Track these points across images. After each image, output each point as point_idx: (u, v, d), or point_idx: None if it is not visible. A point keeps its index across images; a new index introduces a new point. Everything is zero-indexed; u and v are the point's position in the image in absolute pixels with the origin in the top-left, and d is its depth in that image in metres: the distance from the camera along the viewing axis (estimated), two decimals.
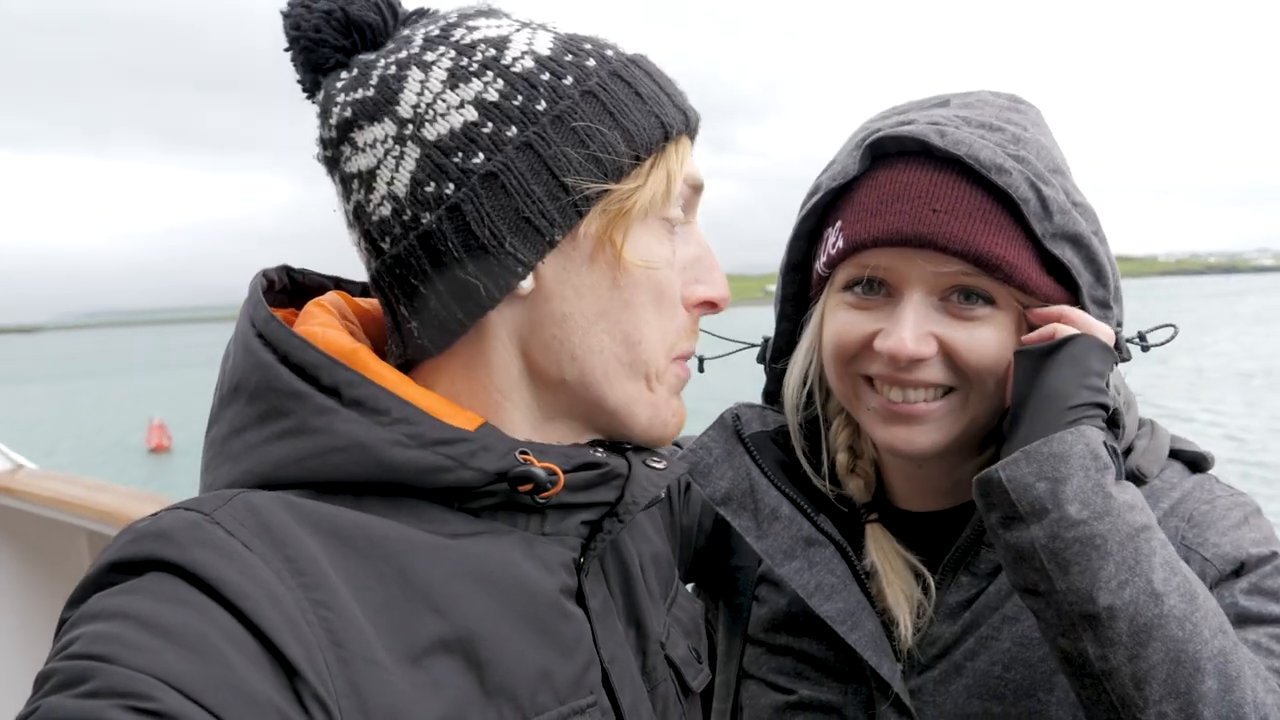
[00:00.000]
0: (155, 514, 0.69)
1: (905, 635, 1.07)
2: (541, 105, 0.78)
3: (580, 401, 0.85)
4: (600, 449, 0.87)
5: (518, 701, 0.75)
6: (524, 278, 0.79)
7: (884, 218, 1.00)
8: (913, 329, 1.00)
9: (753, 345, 1.25)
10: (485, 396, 0.84)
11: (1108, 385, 0.97)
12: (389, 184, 0.79)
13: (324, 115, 0.84)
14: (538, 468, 0.79)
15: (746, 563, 1.25)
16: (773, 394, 1.24)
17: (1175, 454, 1.11)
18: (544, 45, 0.82)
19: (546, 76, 0.80)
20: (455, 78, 0.79)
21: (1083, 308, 1.03)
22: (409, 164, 0.79)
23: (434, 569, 0.74)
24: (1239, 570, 0.99)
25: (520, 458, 0.79)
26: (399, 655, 0.69)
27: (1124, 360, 1.07)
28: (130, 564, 0.65)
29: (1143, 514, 0.90)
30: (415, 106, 0.79)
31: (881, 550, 1.11)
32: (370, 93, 0.81)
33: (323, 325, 0.82)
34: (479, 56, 0.80)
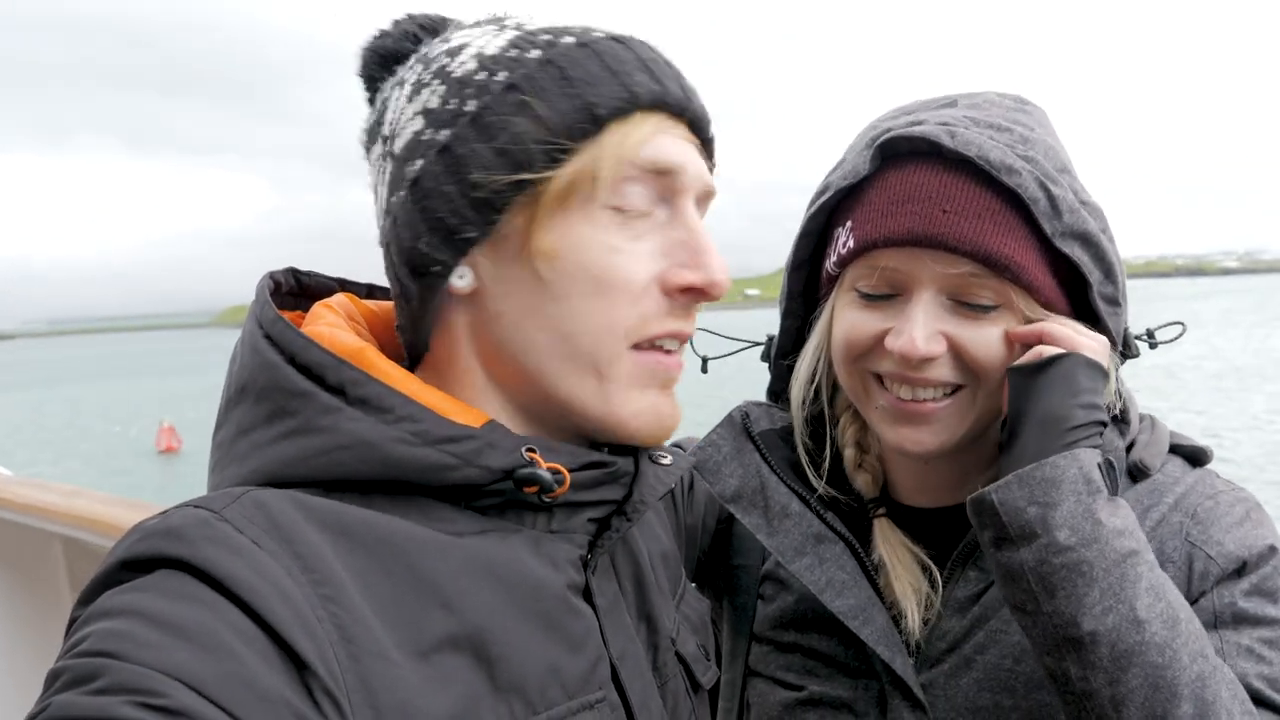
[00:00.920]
0: (164, 512, 0.69)
1: (913, 627, 1.08)
2: (469, 105, 0.79)
3: (542, 401, 0.84)
4: (607, 447, 0.87)
5: (527, 697, 0.75)
6: (445, 278, 0.81)
7: (895, 218, 1.01)
8: (923, 328, 1.00)
9: (756, 344, 1.26)
10: (475, 396, 0.84)
11: (1100, 399, 0.98)
12: (380, 197, 0.85)
13: None
14: (543, 469, 0.79)
15: (749, 561, 1.25)
16: (778, 392, 1.24)
17: (1174, 448, 1.13)
18: (494, 45, 0.81)
19: (481, 76, 0.80)
20: (415, 90, 0.82)
21: (1092, 306, 1.04)
22: (385, 177, 0.83)
23: (442, 565, 0.74)
24: (1241, 569, 1.00)
25: (527, 455, 0.79)
26: (408, 651, 0.70)
27: (1133, 357, 1.09)
28: (140, 561, 0.65)
29: (1131, 539, 0.92)
30: (391, 124, 0.83)
31: (889, 544, 1.12)
32: (372, 119, 0.88)
33: (330, 325, 0.84)
34: (434, 66, 0.82)
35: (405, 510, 0.76)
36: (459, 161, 0.78)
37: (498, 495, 0.80)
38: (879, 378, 1.07)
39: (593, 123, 0.78)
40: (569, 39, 0.81)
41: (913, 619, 1.08)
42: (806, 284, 1.18)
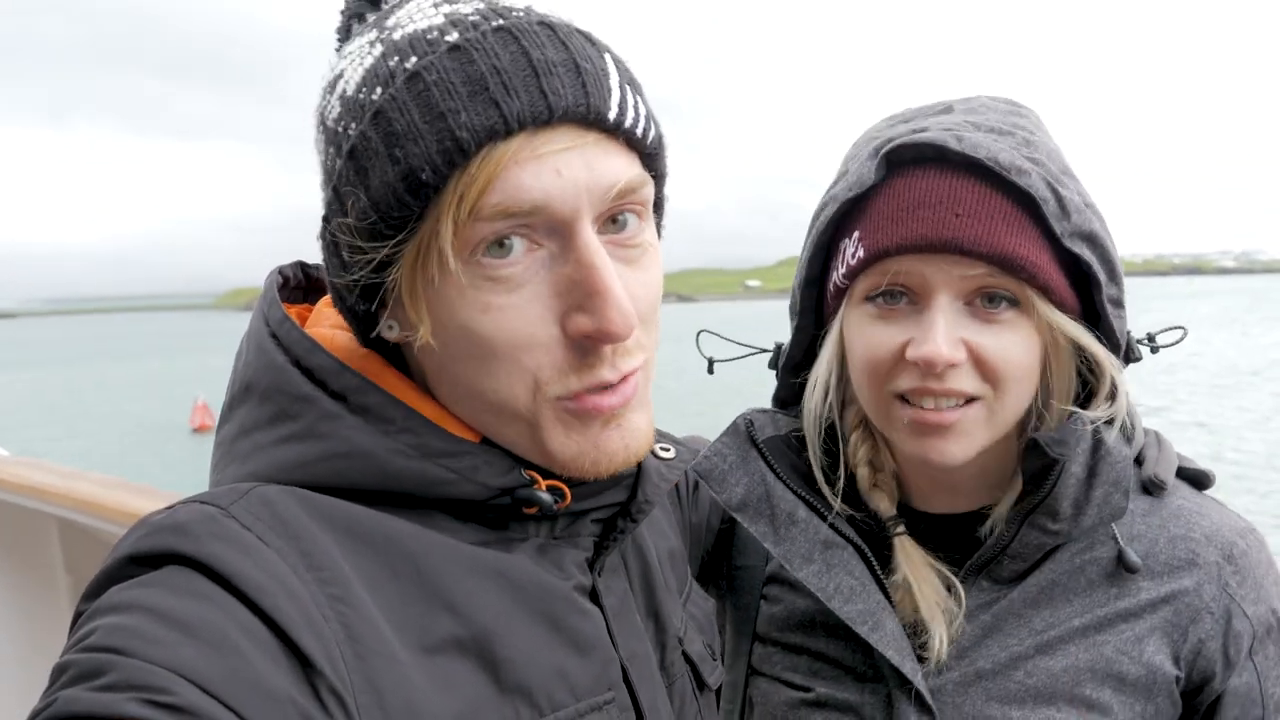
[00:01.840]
0: (171, 506, 0.69)
1: (940, 647, 1.07)
2: (337, 164, 0.73)
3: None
4: None
5: (534, 699, 0.75)
6: (371, 338, 0.79)
7: (906, 224, 1.00)
8: (945, 333, 0.99)
9: (764, 350, 1.25)
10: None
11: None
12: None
13: None
14: (542, 491, 0.78)
15: (753, 562, 1.25)
16: (784, 400, 1.23)
17: (1179, 470, 1.13)
18: (354, 78, 0.73)
19: (340, 126, 0.73)
20: (318, 125, 0.77)
21: (1099, 309, 1.04)
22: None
23: (447, 567, 0.74)
24: (1269, 629, 1.06)
25: (526, 474, 0.78)
26: (414, 651, 0.69)
27: (1134, 361, 1.09)
28: (147, 557, 0.65)
29: None
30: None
31: (912, 563, 1.11)
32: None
33: (334, 326, 0.82)
34: (320, 103, 0.77)
35: (407, 514, 0.76)
36: (334, 239, 0.75)
37: (498, 509, 0.79)
38: (900, 398, 1.06)
39: (420, 186, 0.69)
40: (409, 64, 0.70)
41: (941, 640, 1.07)
42: (818, 300, 1.17)
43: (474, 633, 0.73)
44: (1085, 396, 1.08)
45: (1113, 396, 1.05)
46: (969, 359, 1.02)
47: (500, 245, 0.71)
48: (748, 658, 1.23)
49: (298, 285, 0.90)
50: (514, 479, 0.78)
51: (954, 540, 1.12)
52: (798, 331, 1.19)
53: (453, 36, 0.70)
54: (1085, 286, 1.04)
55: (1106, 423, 1.04)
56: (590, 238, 0.73)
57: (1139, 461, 1.12)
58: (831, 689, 1.13)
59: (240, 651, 0.60)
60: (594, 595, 0.84)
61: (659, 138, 0.80)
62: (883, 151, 1.03)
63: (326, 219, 0.76)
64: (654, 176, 0.80)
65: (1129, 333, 1.08)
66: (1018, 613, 1.07)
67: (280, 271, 0.87)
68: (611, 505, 0.85)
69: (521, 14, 0.73)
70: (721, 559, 1.29)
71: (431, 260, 0.71)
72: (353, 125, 0.71)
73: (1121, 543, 1.06)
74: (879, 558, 1.12)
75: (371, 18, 0.79)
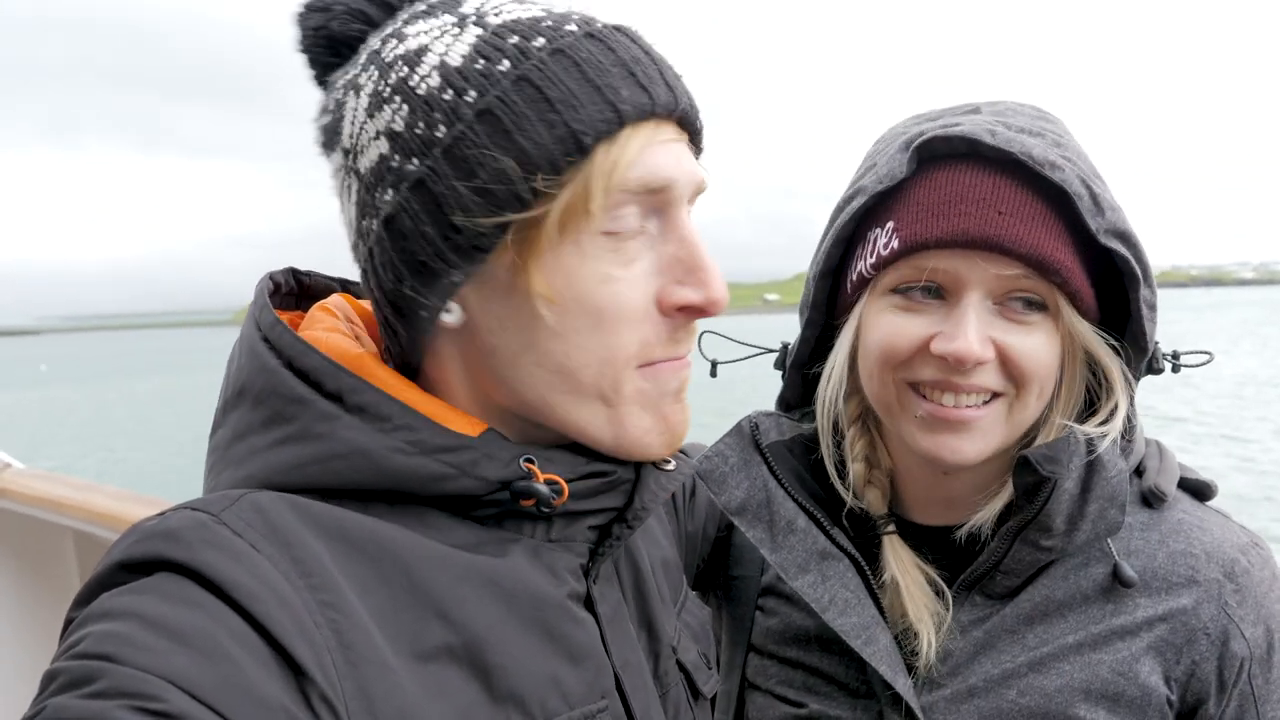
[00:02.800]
0: (163, 513, 0.69)
1: (928, 650, 1.06)
2: (440, 132, 0.73)
3: (544, 425, 0.81)
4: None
5: (526, 707, 0.74)
6: (433, 319, 0.78)
7: (948, 219, 0.98)
8: (977, 331, 0.98)
9: (770, 350, 1.23)
10: (470, 409, 0.82)
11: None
12: (348, 213, 0.81)
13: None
14: (540, 483, 0.78)
15: (749, 573, 1.24)
16: (790, 401, 1.22)
17: (1180, 481, 1.11)
18: (458, 53, 0.74)
19: (449, 95, 0.73)
20: (373, 104, 0.77)
21: (1134, 310, 1.02)
22: (353, 196, 0.79)
23: (439, 575, 0.74)
24: (1269, 649, 1.03)
25: (525, 466, 0.78)
26: (406, 659, 0.69)
27: (1155, 373, 1.07)
28: (138, 564, 0.65)
29: None
30: (351, 137, 0.78)
31: (900, 563, 1.10)
32: (327, 119, 0.82)
33: (327, 330, 0.82)
34: (393, 78, 0.76)
35: (403, 519, 0.75)
36: (437, 201, 0.74)
37: (495, 505, 0.79)
38: (913, 387, 1.05)
39: (578, 151, 0.72)
40: (540, 41, 0.74)
41: (927, 640, 1.06)
42: (832, 292, 1.16)
43: (465, 640, 0.73)
44: (1087, 408, 1.06)
45: (1115, 410, 1.03)
46: (996, 357, 1.00)
47: (627, 218, 0.77)
48: (742, 670, 1.22)
49: (289, 292, 0.90)
50: (513, 471, 0.78)
51: (945, 553, 1.11)
52: (808, 325, 1.17)
53: (572, 27, 0.76)
54: (1106, 291, 1.03)
55: (1102, 436, 1.02)
56: (689, 219, 0.80)
57: (1139, 472, 1.10)
58: (824, 705, 1.11)
59: (231, 659, 0.60)
60: (588, 603, 0.84)
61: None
62: (915, 144, 1.02)
63: (419, 184, 0.74)
64: None
65: (1157, 343, 1.06)
66: (1011, 629, 1.05)
67: (271, 278, 0.87)
68: (608, 510, 0.85)
69: (626, 26, 0.80)
70: (718, 568, 1.28)
71: (571, 222, 0.74)
72: (473, 93, 0.73)
73: (1117, 557, 1.04)
74: (872, 565, 1.11)
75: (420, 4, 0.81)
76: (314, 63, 0.85)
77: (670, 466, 0.89)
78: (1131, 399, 1.05)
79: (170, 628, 0.60)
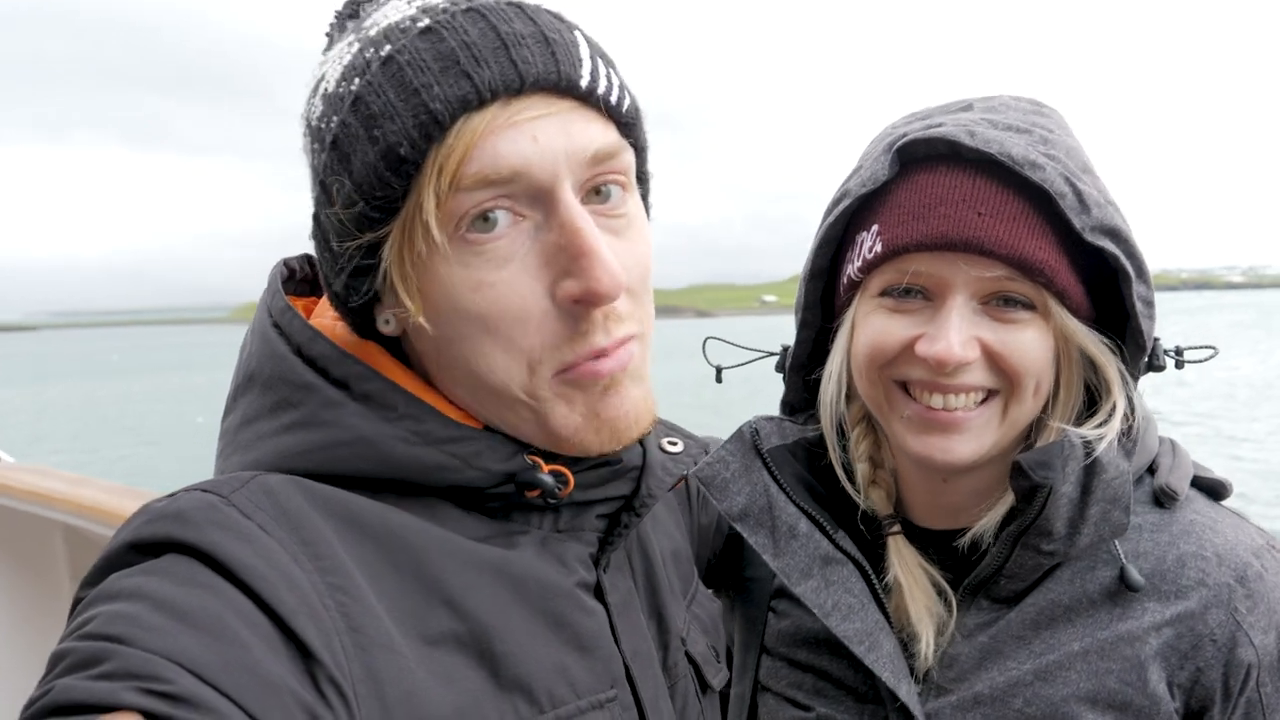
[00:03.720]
0: (173, 494, 0.69)
1: (927, 653, 1.04)
2: (318, 159, 0.75)
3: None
4: None
5: (533, 695, 0.74)
6: (370, 333, 0.80)
7: (927, 221, 0.98)
8: (958, 333, 0.97)
9: (771, 354, 1.23)
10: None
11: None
12: None
13: None
14: (545, 474, 0.78)
15: (762, 574, 1.23)
16: (793, 404, 1.21)
17: (1194, 480, 1.09)
18: (333, 77, 0.74)
19: (322, 123, 0.74)
20: (303, 128, 0.79)
21: (1129, 307, 1.00)
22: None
23: (448, 562, 0.73)
24: (1278, 658, 1.00)
25: (529, 459, 0.78)
26: (415, 643, 0.69)
27: (1157, 370, 1.05)
28: (148, 545, 0.65)
29: None
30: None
31: (904, 563, 1.08)
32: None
33: (335, 318, 0.82)
34: (306, 105, 0.78)
35: (410, 504, 0.75)
36: (323, 229, 0.77)
37: (501, 498, 0.79)
38: (903, 387, 1.04)
39: (400, 162, 0.70)
40: (380, 51, 0.72)
41: (927, 644, 1.05)
42: (825, 293, 1.15)
43: (472, 627, 0.72)
44: (1089, 409, 1.04)
45: (1113, 411, 1.01)
46: (982, 355, 0.99)
47: (485, 219, 0.72)
48: (755, 671, 1.21)
49: (304, 278, 0.90)
50: (517, 464, 0.77)
51: (950, 556, 1.09)
52: (803, 327, 1.17)
53: (424, 22, 0.72)
54: (1102, 289, 1.01)
55: (1099, 439, 1.00)
56: (571, 201, 0.73)
57: (1151, 470, 1.09)
58: (832, 709, 1.10)
59: (239, 640, 0.60)
60: (598, 592, 0.83)
61: (635, 107, 0.80)
62: (895, 146, 1.02)
63: (316, 216, 0.77)
64: (635, 148, 0.81)
65: (1157, 339, 1.04)
66: (1017, 634, 1.04)
67: (286, 264, 0.87)
68: (615, 499, 0.84)
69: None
70: (731, 567, 1.27)
71: (417, 236, 0.71)
72: (334, 118, 0.73)
73: (1124, 560, 1.01)
74: (876, 569, 1.10)
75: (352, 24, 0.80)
76: None
77: (677, 449, 0.88)
78: (1131, 397, 1.02)
79: (179, 609, 0.60)
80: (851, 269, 1.07)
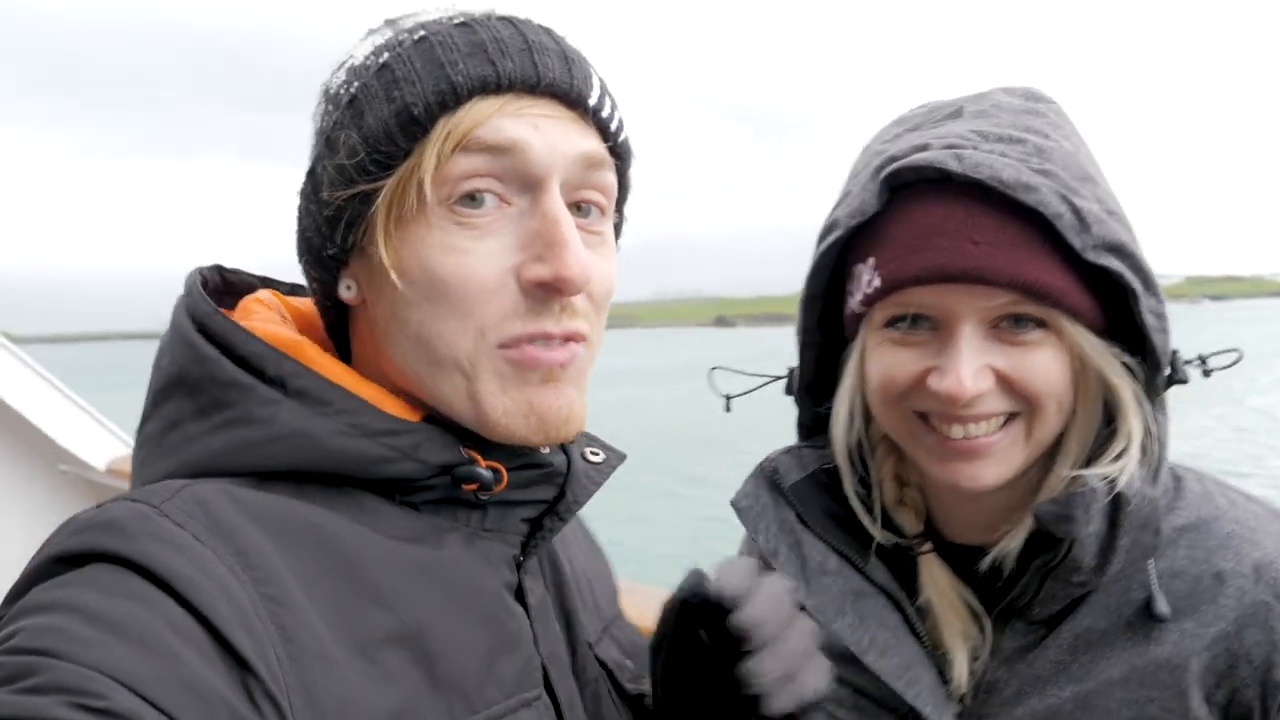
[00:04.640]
0: (100, 505, 0.67)
1: (961, 676, 1.02)
2: (325, 123, 0.80)
3: (428, 404, 0.81)
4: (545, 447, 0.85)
5: (466, 694, 0.74)
6: (325, 294, 0.84)
7: (923, 254, 0.95)
8: (969, 365, 0.94)
9: (778, 378, 1.20)
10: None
11: None
12: None
13: None
14: (483, 468, 0.79)
15: None
16: (809, 426, 1.19)
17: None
18: (361, 53, 0.80)
19: (340, 90, 0.80)
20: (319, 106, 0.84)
21: (1140, 323, 0.96)
22: None
23: (380, 563, 0.74)
24: None
25: (465, 453, 0.79)
26: (349, 649, 0.69)
27: (1180, 383, 1.00)
28: (75, 556, 0.63)
29: None
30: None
31: (936, 585, 1.06)
32: None
33: (263, 320, 0.83)
34: (330, 79, 0.83)
35: (339, 504, 0.76)
36: (316, 182, 0.80)
37: (432, 490, 0.79)
38: (922, 417, 1.01)
39: (411, 123, 0.75)
40: (418, 34, 0.78)
41: (961, 670, 1.02)
42: (823, 316, 1.13)
43: (407, 628, 0.73)
44: (1108, 423, 1.00)
45: (1130, 438, 0.97)
46: (996, 383, 0.96)
47: (473, 199, 0.76)
48: None
49: (215, 289, 0.89)
50: (454, 456, 0.78)
51: (986, 575, 1.05)
52: (805, 348, 1.15)
53: (461, 19, 0.79)
54: (1116, 303, 0.97)
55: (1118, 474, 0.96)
56: (557, 194, 0.78)
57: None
58: None
59: (174, 653, 0.58)
60: (519, 594, 0.84)
61: (629, 146, 0.86)
62: (882, 175, 0.98)
63: (311, 170, 0.81)
64: (620, 186, 0.86)
65: (1175, 352, 0.99)
66: (1055, 659, 1.01)
67: (200, 272, 0.88)
68: (539, 502, 0.85)
69: (525, 18, 0.82)
70: None
71: (410, 192, 0.75)
72: (356, 83, 0.78)
73: (1154, 588, 0.98)
74: (910, 591, 1.07)
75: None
76: None
77: (599, 459, 0.89)
78: (1148, 419, 0.98)
79: (110, 621, 0.58)
80: (853, 302, 1.04)
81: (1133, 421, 0.97)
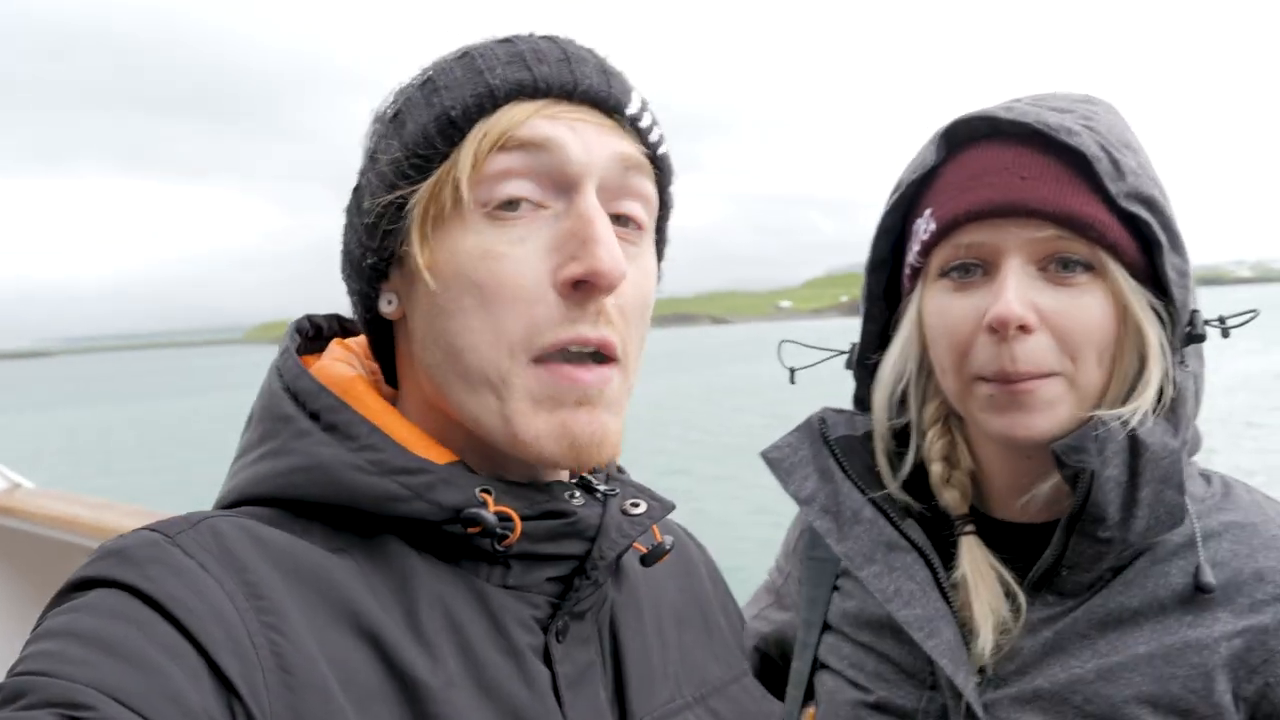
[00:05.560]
0: (124, 534, 0.71)
1: (984, 650, 1.03)
2: (371, 141, 0.83)
3: (474, 432, 0.80)
4: (579, 492, 0.83)
5: None
6: (366, 308, 0.84)
7: (974, 191, 1.02)
8: (1015, 292, 0.99)
9: (841, 353, 1.24)
10: (436, 431, 0.82)
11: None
12: None
13: None
14: (489, 512, 0.76)
15: (828, 554, 1.23)
16: (863, 399, 1.22)
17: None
18: (411, 76, 0.83)
19: (389, 109, 0.82)
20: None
21: (1160, 271, 1.01)
22: None
23: (386, 615, 0.73)
24: None
25: (479, 495, 0.76)
26: (346, 694, 0.68)
27: (1198, 340, 1.03)
28: (85, 582, 0.67)
29: None
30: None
31: (975, 562, 1.08)
32: None
33: (333, 359, 0.87)
34: (380, 104, 0.85)
35: (362, 547, 0.76)
36: (359, 193, 0.83)
37: (452, 539, 0.78)
38: (982, 378, 1.04)
39: (450, 125, 0.77)
40: (462, 52, 0.81)
41: (985, 641, 1.03)
42: (888, 284, 1.18)
43: (406, 687, 0.71)
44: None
45: (1148, 382, 1.00)
46: (1045, 328, 1.00)
47: (510, 205, 0.77)
48: (815, 649, 1.22)
49: (330, 334, 0.94)
50: (467, 498, 0.76)
51: (1028, 553, 1.08)
52: (867, 320, 1.19)
53: (503, 37, 0.82)
54: (1152, 253, 1.02)
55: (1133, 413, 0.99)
56: (592, 194, 0.78)
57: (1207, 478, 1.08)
58: (891, 694, 1.11)
59: (160, 669, 0.61)
60: (546, 658, 0.80)
61: (670, 160, 0.86)
62: (940, 132, 1.07)
63: (356, 188, 0.84)
64: (661, 203, 0.87)
65: (1195, 310, 1.04)
66: (1083, 633, 1.03)
67: (311, 320, 0.93)
68: (568, 558, 0.81)
69: (568, 38, 0.84)
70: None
71: (446, 193, 0.76)
72: (402, 99, 0.81)
73: (1201, 558, 1.00)
74: (943, 558, 1.10)
75: None
76: None
77: (639, 510, 0.85)
78: (1169, 370, 1.01)
79: (101, 641, 0.62)
80: (911, 256, 1.10)
81: (1154, 368, 1.00)
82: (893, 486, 1.14)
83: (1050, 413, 1.01)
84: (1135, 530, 1.00)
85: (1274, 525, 1.04)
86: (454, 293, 0.76)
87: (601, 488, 0.86)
